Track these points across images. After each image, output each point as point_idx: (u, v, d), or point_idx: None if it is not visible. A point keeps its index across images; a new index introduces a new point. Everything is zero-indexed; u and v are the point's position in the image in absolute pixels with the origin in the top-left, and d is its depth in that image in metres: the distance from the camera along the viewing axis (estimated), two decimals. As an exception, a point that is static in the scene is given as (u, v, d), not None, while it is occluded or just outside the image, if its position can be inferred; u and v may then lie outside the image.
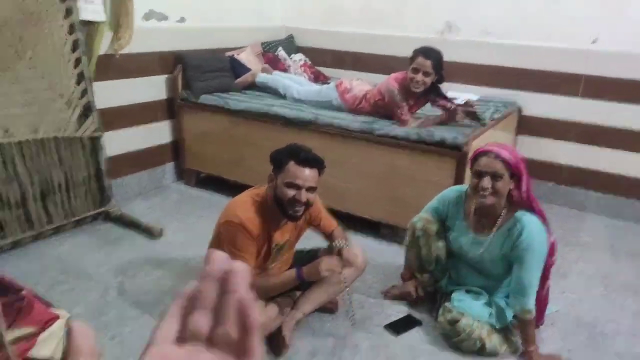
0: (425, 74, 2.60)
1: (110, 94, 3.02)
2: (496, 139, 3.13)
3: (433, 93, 2.78)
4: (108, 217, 2.91)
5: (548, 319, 2.10)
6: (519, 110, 3.51)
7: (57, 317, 1.35)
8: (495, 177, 1.83)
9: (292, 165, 1.73)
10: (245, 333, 0.33)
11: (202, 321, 0.33)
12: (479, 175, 1.86)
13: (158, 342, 0.32)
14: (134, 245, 2.67)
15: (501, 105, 3.26)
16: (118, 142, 3.13)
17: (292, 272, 1.87)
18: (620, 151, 3.28)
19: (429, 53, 2.60)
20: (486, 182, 1.84)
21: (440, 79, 2.71)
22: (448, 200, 2.11)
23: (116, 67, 3.02)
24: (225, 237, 1.79)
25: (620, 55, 3.14)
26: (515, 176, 1.86)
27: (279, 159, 1.77)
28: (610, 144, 3.30)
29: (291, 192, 1.73)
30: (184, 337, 0.33)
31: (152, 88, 3.34)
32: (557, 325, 2.13)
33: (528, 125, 3.52)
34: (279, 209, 1.79)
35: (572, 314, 2.23)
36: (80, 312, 2.03)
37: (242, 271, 0.34)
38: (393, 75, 2.77)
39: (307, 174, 1.74)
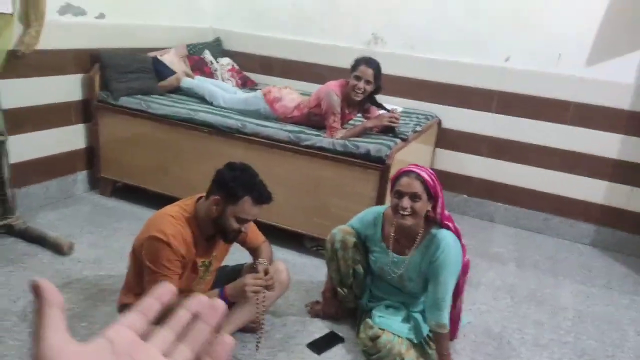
0: (367, 82, 2.66)
1: (19, 93, 2.79)
2: (417, 152, 3.26)
3: (370, 102, 2.85)
4: (11, 231, 2.65)
5: (460, 331, 2.21)
6: (439, 123, 3.66)
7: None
8: (414, 197, 1.89)
9: (247, 203, 1.71)
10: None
11: (167, 336, 0.35)
12: (399, 195, 1.91)
13: (122, 324, 0.34)
14: (39, 263, 2.45)
15: (423, 118, 3.39)
16: (25, 146, 2.88)
17: (215, 293, 1.82)
18: (523, 165, 3.53)
19: (371, 62, 2.67)
20: (405, 202, 1.89)
21: (378, 89, 2.77)
22: (367, 222, 2.15)
23: (26, 63, 2.77)
24: (148, 254, 1.68)
25: (530, 74, 3.37)
26: (433, 198, 1.93)
27: (234, 190, 1.69)
28: (515, 159, 3.55)
29: (238, 225, 1.74)
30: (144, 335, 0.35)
31: (66, 88, 3.11)
32: (469, 337, 2.25)
33: (446, 138, 3.69)
34: (215, 231, 1.78)
35: (482, 325, 2.37)
36: (-27, 342, 1.84)
37: (221, 309, 0.37)
38: (332, 82, 2.78)
39: (259, 212, 1.76)
